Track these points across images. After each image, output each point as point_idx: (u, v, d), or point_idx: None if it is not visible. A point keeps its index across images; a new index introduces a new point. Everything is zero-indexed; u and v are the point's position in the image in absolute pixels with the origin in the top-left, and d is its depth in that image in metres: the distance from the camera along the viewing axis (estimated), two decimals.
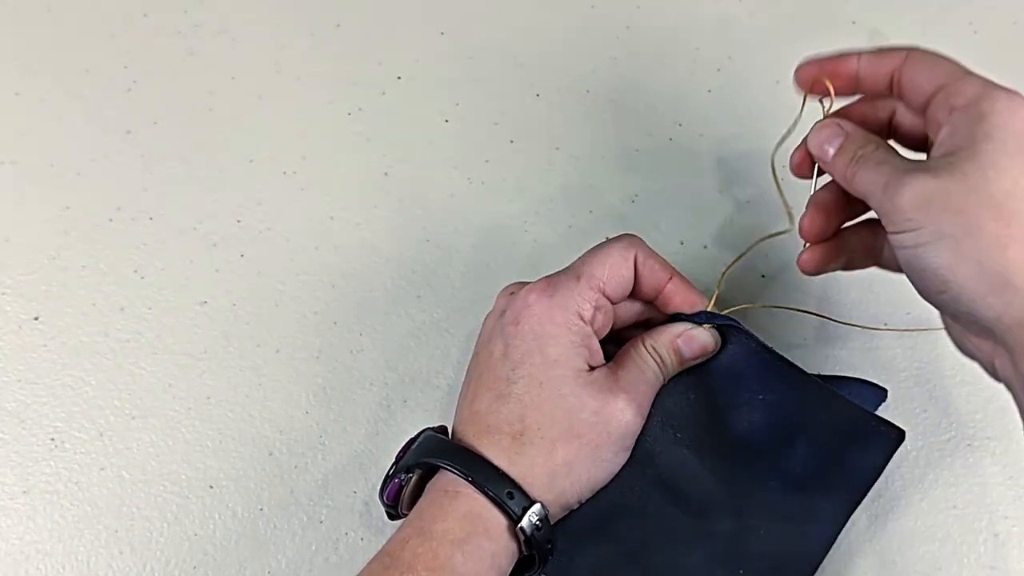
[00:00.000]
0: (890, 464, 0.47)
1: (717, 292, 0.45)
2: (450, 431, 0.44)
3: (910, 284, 0.38)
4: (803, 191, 0.44)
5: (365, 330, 0.51)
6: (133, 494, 0.48)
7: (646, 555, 0.44)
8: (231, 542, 0.47)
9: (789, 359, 0.44)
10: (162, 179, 0.54)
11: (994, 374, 0.39)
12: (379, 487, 0.43)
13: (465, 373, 0.45)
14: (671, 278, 0.44)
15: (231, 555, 0.47)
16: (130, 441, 0.49)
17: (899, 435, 0.44)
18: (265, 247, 0.53)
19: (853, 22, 0.56)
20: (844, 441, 0.44)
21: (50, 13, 0.57)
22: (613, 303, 0.44)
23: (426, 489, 0.42)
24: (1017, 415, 0.37)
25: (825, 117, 0.42)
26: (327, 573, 0.42)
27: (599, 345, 0.43)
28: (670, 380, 0.44)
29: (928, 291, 0.37)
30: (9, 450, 0.49)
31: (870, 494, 0.46)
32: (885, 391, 0.47)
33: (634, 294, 0.45)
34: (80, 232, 0.53)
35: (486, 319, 0.45)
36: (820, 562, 0.43)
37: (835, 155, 0.41)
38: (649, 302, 0.46)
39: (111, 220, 0.53)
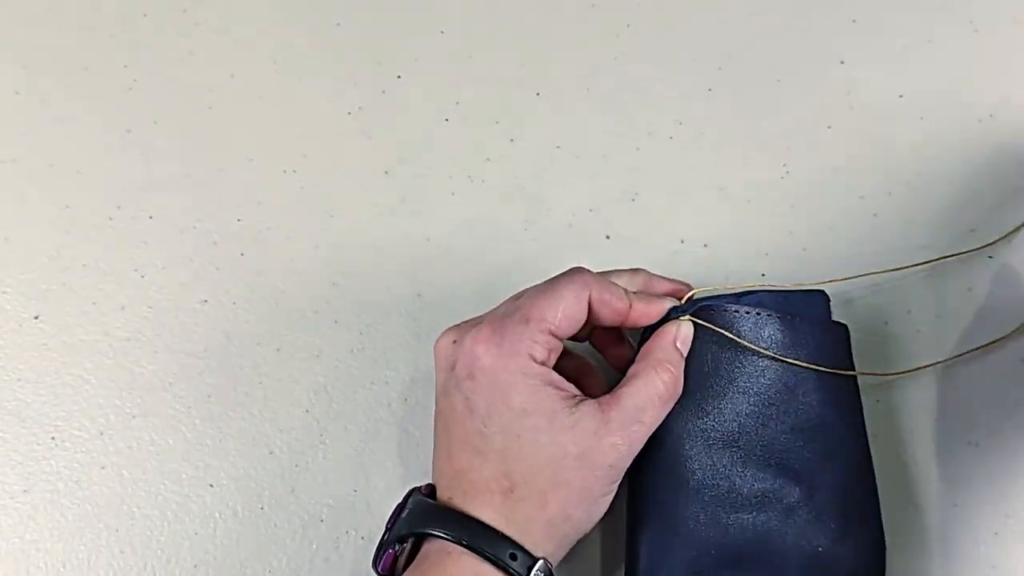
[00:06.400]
0: None
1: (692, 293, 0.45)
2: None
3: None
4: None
5: (365, 330, 0.51)
6: (133, 493, 0.48)
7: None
8: (231, 541, 0.47)
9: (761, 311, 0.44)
10: (162, 178, 0.54)
11: None
12: (372, 557, 0.42)
13: (433, 426, 0.43)
14: (631, 306, 0.43)
15: (231, 554, 0.47)
16: (130, 440, 0.49)
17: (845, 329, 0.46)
18: (265, 247, 0.53)
19: (853, 21, 0.56)
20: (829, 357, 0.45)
21: (50, 13, 0.57)
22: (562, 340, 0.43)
23: (424, 551, 0.40)
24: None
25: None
26: (327, 572, 0.42)
27: (561, 376, 0.42)
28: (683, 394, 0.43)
29: None
30: (9, 449, 0.49)
31: None
32: (823, 293, 0.47)
33: (594, 328, 0.45)
34: (80, 231, 0.53)
35: (436, 371, 0.43)
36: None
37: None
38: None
39: (111, 219, 0.53)
